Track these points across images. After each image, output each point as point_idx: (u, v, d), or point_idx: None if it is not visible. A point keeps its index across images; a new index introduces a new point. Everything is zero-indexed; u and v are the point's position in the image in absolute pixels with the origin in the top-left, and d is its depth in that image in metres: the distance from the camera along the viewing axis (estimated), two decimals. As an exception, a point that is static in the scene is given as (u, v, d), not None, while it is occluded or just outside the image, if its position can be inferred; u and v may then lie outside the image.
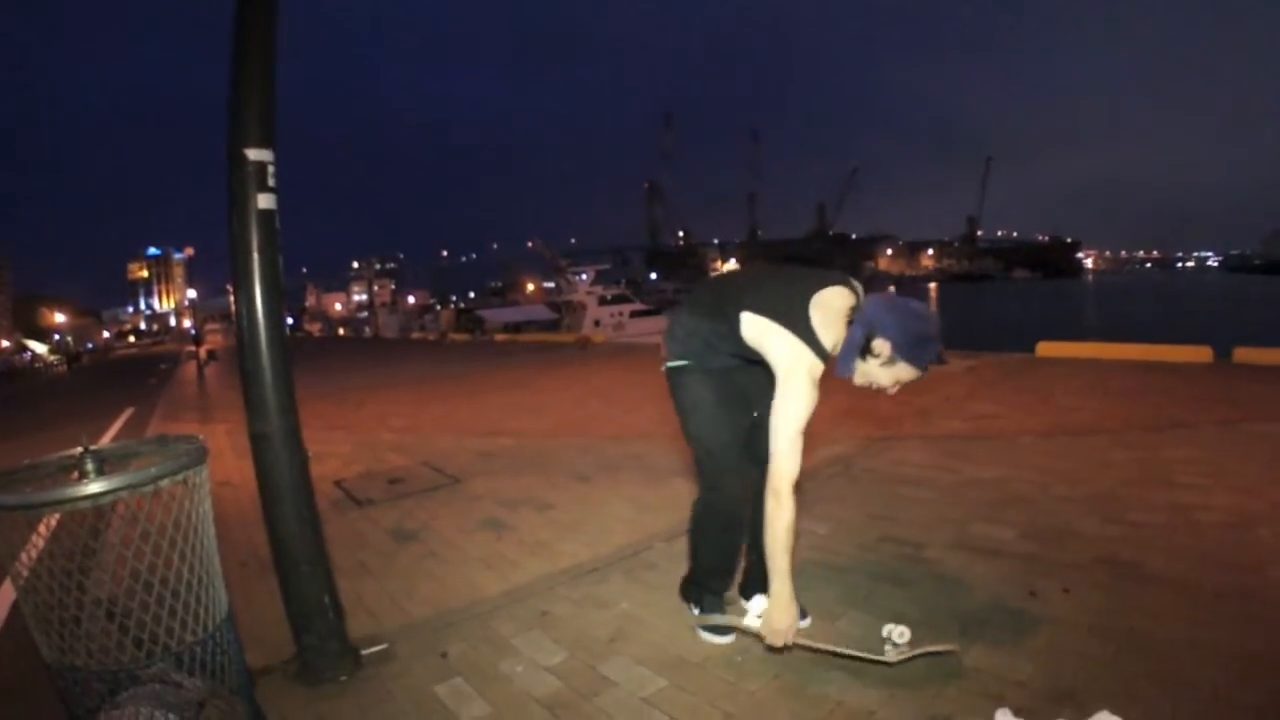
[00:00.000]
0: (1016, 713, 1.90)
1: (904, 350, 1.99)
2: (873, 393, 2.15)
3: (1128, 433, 4.87)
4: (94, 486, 1.56)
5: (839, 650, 2.18)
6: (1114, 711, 1.83)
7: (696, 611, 2.56)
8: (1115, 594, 2.55)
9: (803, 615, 2.51)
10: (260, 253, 2.22)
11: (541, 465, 5.20)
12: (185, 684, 1.71)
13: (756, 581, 2.59)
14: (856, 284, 2.19)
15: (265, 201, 2.21)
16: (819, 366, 2.08)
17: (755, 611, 2.41)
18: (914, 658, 2.12)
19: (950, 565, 2.92)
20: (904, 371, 2.03)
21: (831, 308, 2.09)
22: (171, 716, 1.62)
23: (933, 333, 2.00)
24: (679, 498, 3.88)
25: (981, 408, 6.19)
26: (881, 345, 2.01)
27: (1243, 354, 7.74)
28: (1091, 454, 4.40)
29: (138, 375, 23.34)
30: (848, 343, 2.06)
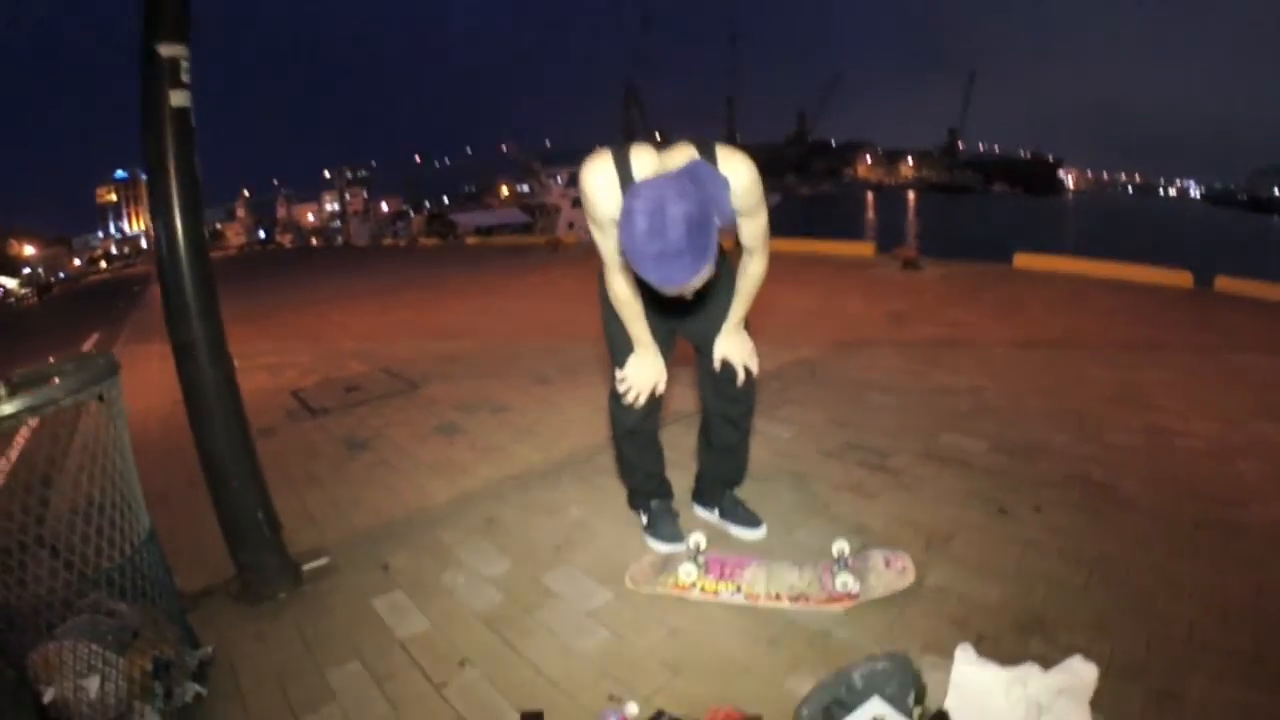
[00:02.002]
0: (979, 641, 1.75)
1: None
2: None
3: (1104, 349, 4.72)
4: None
5: (789, 606, 1.99)
6: (1086, 644, 1.70)
7: (644, 519, 2.40)
8: (1088, 516, 2.40)
9: (757, 524, 2.38)
10: (175, 152, 2.05)
11: (502, 368, 4.97)
12: (119, 611, 1.67)
13: (707, 492, 2.47)
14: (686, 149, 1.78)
15: (178, 99, 2.04)
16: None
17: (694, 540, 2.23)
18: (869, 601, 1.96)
19: (917, 476, 2.76)
20: None
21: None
22: (95, 648, 1.56)
23: (647, 251, 1.46)
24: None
25: (956, 314, 6.01)
26: None
27: (1224, 283, 7.59)
28: (1066, 368, 4.24)
29: (108, 299, 22.42)
30: None
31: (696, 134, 1.83)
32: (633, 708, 1.56)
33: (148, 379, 5.50)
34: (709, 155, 1.75)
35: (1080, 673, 1.36)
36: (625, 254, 1.53)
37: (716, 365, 2.12)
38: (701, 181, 1.50)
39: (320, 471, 3.31)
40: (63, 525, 1.63)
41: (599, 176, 1.75)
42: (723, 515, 2.44)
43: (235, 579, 2.26)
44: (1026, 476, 2.73)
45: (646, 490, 2.37)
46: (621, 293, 1.94)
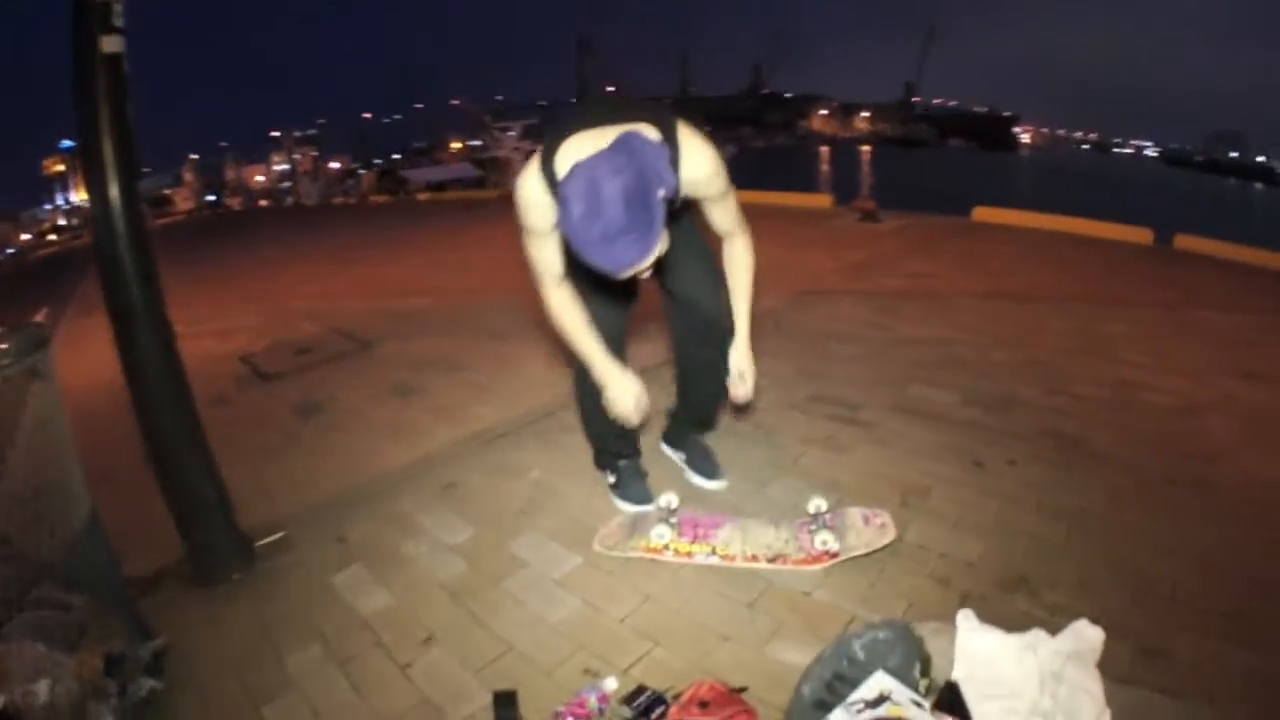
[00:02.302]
0: (964, 599, 1.71)
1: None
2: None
3: (1067, 303, 4.73)
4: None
5: (766, 567, 1.91)
6: (1071, 602, 1.67)
7: (611, 479, 2.29)
8: (1063, 470, 2.38)
9: (717, 476, 2.33)
10: (107, 104, 1.87)
11: (457, 325, 4.77)
12: (70, 603, 1.55)
13: (677, 432, 2.43)
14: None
15: (110, 44, 1.86)
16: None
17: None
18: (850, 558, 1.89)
19: (888, 429, 2.70)
20: None
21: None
22: (42, 648, 1.44)
23: (586, 235, 1.35)
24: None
25: (917, 266, 5.98)
26: None
27: (1184, 241, 7.71)
28: (1031, 320, 4.24)
29: (57, 272, 21.23)
30: None
31: (654, 106, 1.68)
32: (611, 682, 1.48)
33: (98, 351, 5.19)
34: (670, 136, 1.61)
35: (1087, 636, 1.32)
36: (572, 247, 1.40)
37: (737, 378, 1.99)
38: (635, 151, 1.37)
39: (272, 440, 3.13)
40: (17, 508, 1.49)
41: (526, 186, 1.63)
42: (687, 461, 2.40)
43: (186, 560, 2.11)
44: (999, 429, 2.69)
45: (614, 450, 2.26)
46: (559, 308, 1.81)
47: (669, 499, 1.99)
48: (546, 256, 1.73)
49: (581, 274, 1.69)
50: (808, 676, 1.30)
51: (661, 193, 1.36)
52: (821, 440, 2.61)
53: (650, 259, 1.40)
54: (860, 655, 1.27)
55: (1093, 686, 1.23)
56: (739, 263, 1.94)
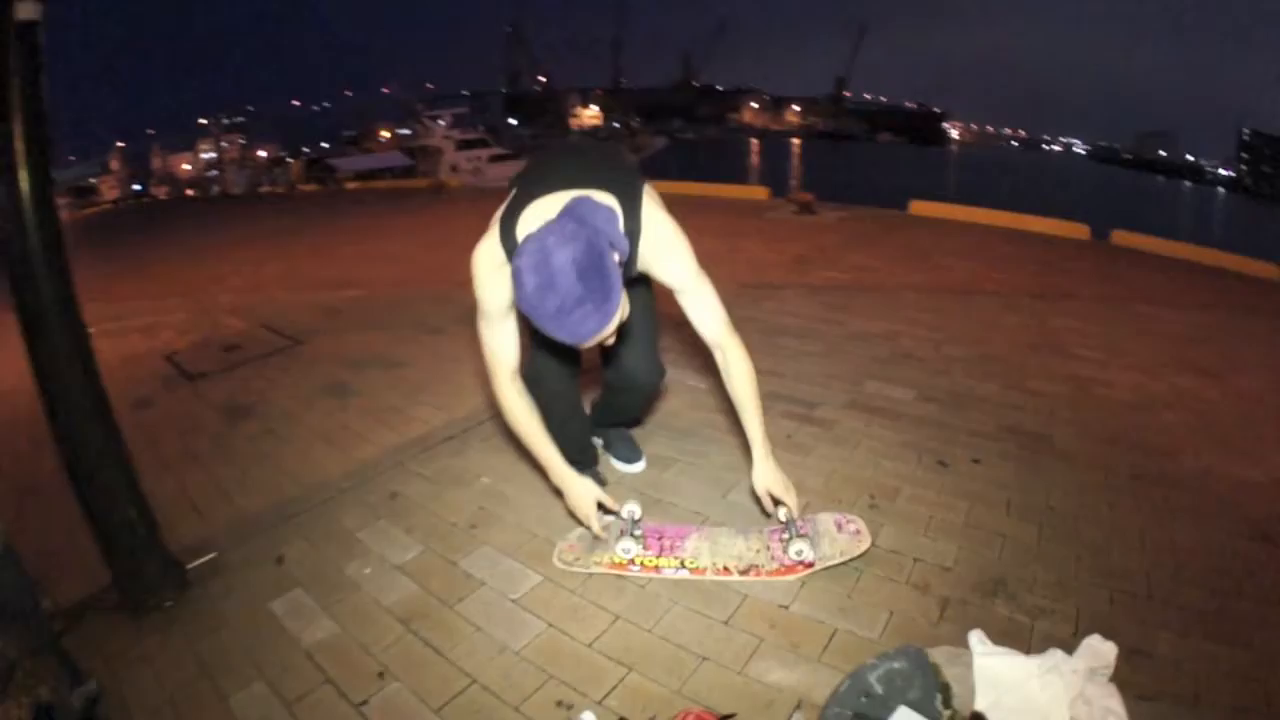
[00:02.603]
0: (945, 606, 1.66)
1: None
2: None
3: (1014, 297, 4.82)
4: None
5: (738, 579, 1.82)
6: (1052, 604, 1.63)
7: None
8: (1028, 468, 2.37)
9: (637, 459, 2.34)
10: (19, 79, 1.68)
11: (391, 319, 4.54)
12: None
13: (598, 421, 2.36)
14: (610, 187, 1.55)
15: (26, 11, 1.68)
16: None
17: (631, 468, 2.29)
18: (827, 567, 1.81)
19: (848, 428, 2.65)
20: None
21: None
22: None
23: (541, 309, 1.29)
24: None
25: (859, 259, 6.03)
26: None
27: (1121, 237, 7.97)
28: (979, 315, 4.29)
29: None
30: None
31: (627, 170, 1.59)
32: (589, 717, 1.36)
33: (15, 351, 4.80)
34: (631, 206, 1.52)
35: (1101, 652, 1.27)
36: (532, 324, 1.33)
37: (768, 507, 1.82)
38: (583, 218, 1.33)
39: (200, 447, 2.89)
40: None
41: (484, 260, 1.53)
42: (606, 446, 2.38)
43: (113, 587, 1.90)
44: (959, 426, 2.68)
45: (572, 458, 2.11)
46: (511, 407, 1.71)
47: (631, 510, 1.87)
48: (501, 343, 1.62)
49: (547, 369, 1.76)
50: (827, 718, 1.21)
51: (616, 257, 1.32)
52: (780, 440, 2.53)
53: (611, 327, 1.33)
54: (878, 689, 1.19)
55: (1115, 705, 1.18)
56: (737, 378, 1.73)
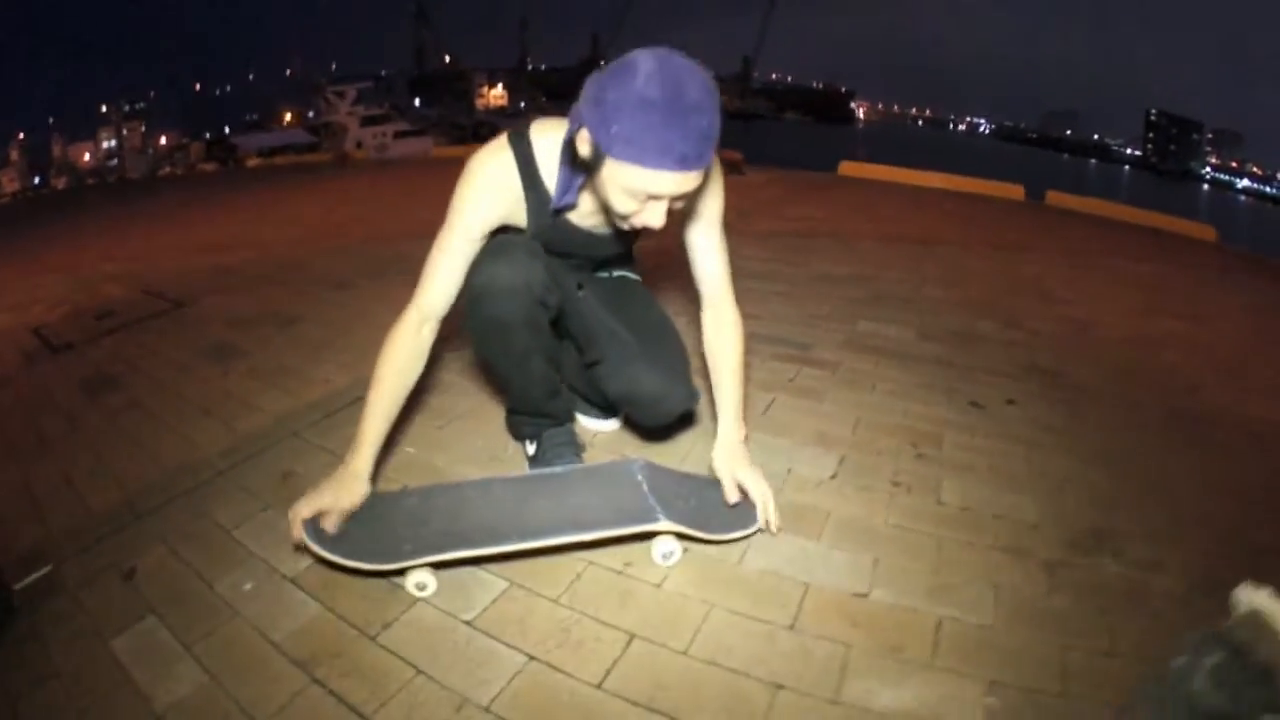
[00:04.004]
0: (1053, 571, 1.25)
1: (603, 134, 1.04)
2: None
3: (974, 247, 4.60)
4: None
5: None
6: (1158, 555, 1.25)
7: (531, 450, 1.62)
8: (1066, 408, 2.04)
9: (611, 415, 1.78)
10: None
11: (288, 276, 3.79)
12: None
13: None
14: None
15: None
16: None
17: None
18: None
19: (855, 369, 2.23)
20: (618, 173, 1.06)
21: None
22: None
23: (653, 97, 0.99)
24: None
25: (804, 211, 5.67)
26: (582, 138, 1.09)
27: (1055, 197, 8.00)
28: (948, 261, 4.01)
29: None
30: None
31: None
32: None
33: None
34: None
35: None
36: (601, 126, 1.03)
37: (732, 497, 1.34)
38: None
39: (50, 428, 2.16)
40: None
41: (483, 160, 1.25)
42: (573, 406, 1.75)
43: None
44: (974, 366, 2.33)
45: (544, 410, 1.56)
46: (395, 353, 1.28)
47: (421, 582, 1.22)
48: (446, 273, 1.28)
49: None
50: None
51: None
52: (784, 385, 2.08)
53: (696, 176, 1.07)
54: (1214, 696, 0.71)
55: None
56: (725, 341, 1.43)
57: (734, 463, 1.34)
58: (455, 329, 1.76)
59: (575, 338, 1.55)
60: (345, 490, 1.21)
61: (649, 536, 1.26)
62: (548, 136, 1.23)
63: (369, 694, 1.01)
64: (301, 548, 1.22)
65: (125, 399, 2.30)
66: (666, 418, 1.50)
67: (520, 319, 1.30)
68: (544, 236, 1.32)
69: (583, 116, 1.06)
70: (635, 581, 1.23)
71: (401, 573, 1.20)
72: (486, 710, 0.97)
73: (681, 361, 1.46)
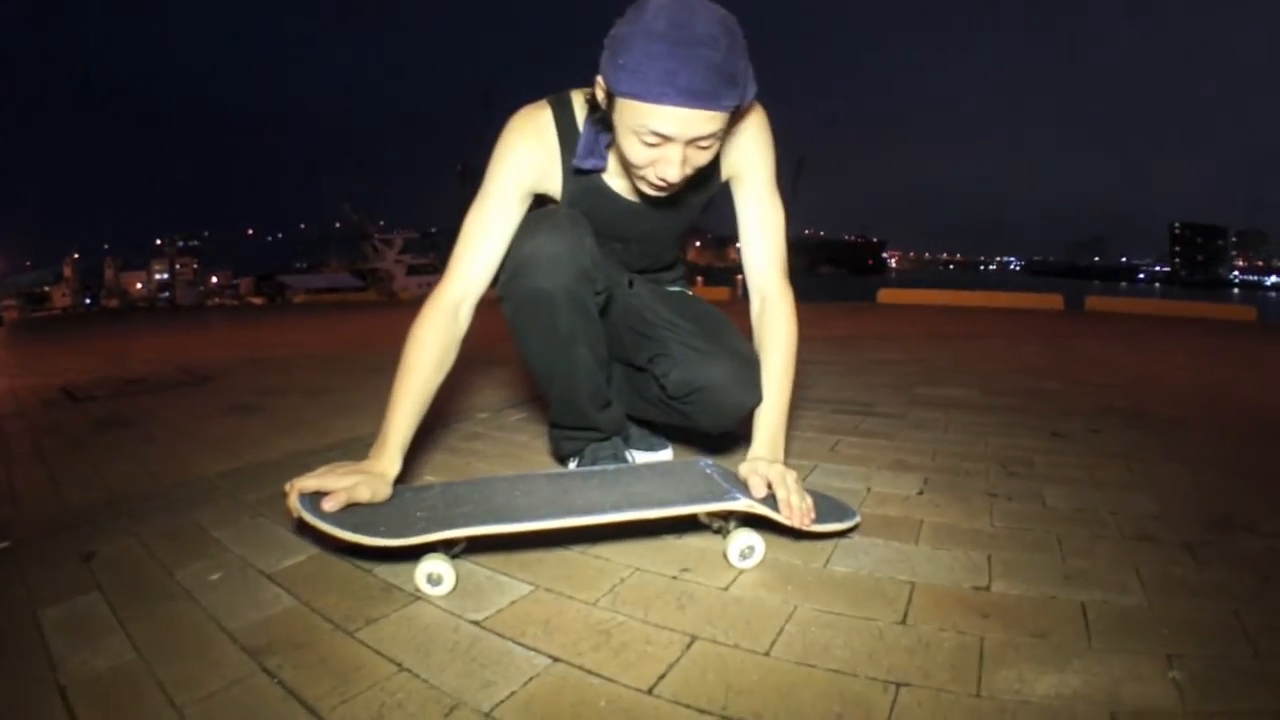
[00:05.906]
0: (1194, 552, 1.02)
1: (611, 70, 0.99)
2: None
3: (1023, 337, 4.62)
4: None
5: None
6: None
7: (573, 465, 1.45)
8: (1155, 433, 1.86)
9: (661, 447, 1.62)
10: None
11: (323, 365, 3.84)
12: None
13: None
14: None
15: None
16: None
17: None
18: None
19: (924, 417, 2.06)
20: (625, 113, 1.00)
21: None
22: None
23: (659, 28, 0.94)
24: (511, 378, 2.78)
25: (847, 324, 5.70)
26: (598, 85, 1.05)
27: (1094, 301, 8.04)
28: (999, 349, 3.96)
29: None
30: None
31: None
32: None
33: None
34: None
35: None
36: (610, 64, 0.98)
37: (759, 491, 1.08)
38: None
39: (53, 445, 2.09)
40: None
41: (521, 118, 1.20)
42: (626, 442, 1.58)
43: None
44: (1049, 410, 2.15)
45: (594, 423, 1.40)
46: (424, 337, 1.19)
47: (430, 570, 1.01)
48: (481, 242, 1.19)
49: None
50: None
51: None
52: (850, 430, 1.90)
53: (709, 116, 0.97)
54: None
55: None
56: (777, 335, 1.26)
57: (766, 465, 1.11)
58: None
59: (624, 344, 1.41)
60: (365, 485, 1.04)
61: (714, 536, 1.10)
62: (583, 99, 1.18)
63: (329, 689, 0.78)
64: (295, 520, 1.07)
65: (137, 433, 2.23)
66: (736, 411, 1.27)
67: (565, 296, 1.19)
68: (582, 205, 1.24)
69: (600, 63, 1.01)
70: (695, 585, 1.00)
71: (411, 559, 1.01)
72: (486, 716, 0.73)
73: (751, 352, 1.28)
